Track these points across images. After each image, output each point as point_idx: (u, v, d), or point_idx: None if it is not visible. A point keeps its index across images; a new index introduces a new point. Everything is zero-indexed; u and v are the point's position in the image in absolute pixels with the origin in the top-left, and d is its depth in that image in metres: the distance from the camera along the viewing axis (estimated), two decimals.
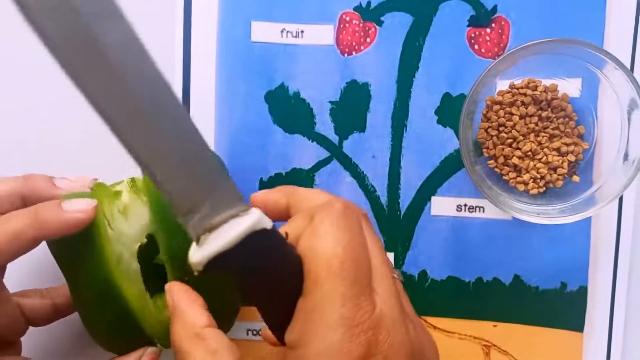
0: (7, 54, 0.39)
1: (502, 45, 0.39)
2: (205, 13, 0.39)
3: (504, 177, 0.38)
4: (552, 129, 0.38)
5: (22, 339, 0.35)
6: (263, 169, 0.40)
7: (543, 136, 0.38)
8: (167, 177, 0.22)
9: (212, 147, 0.40)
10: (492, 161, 0.39)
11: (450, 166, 0.40)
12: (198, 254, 0.24)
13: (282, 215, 0.30)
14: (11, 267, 0.32)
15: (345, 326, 0.23)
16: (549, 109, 0.38)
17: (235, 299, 0.37)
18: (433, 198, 0.40)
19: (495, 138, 0.38)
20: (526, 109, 0.38)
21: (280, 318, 0.26)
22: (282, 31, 0.39)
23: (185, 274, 0.30)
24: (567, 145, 0.38)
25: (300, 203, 0.30)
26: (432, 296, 0.41)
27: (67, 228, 0.29)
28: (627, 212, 0.40)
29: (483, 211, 0.40)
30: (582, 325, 0.40)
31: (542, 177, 0.38)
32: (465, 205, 0.40)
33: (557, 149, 0.38)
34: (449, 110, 0.40)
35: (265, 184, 0.40)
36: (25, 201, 0.32)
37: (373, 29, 0.39)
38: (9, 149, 0.40)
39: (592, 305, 0.40)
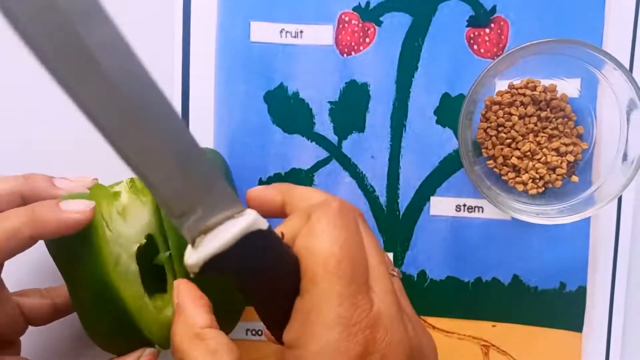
0: (7, 53, 0.39)
1: (501, 45, 0.39)
2: (204, 13, 0.40)
3: (503, 177, 0.38)
4: (551, 129, 0.38)
5: (21, 339, 0.35)
6: (262, 169, 0.40)
7: (542, 136, 0.38)
8: (159, 180, 0.22)
9: (211, 147, 0.40)
10: (491, 161, 0.39)
11: (449, 166, 0.40)
12: (193, 257, 0.23)
13: (277, 213, 0.30)
14: (11, 267, 0.32)
15: (342, 325, 0.23)
16: (548, 109, 0.38)
17: (240, 299, 0.37)
18: (432, 198, 0.40)
19: (494, 138, 0.38)
20: (525, 109, 0.38)
21: (277, 318, 0.26)
22: (281, 31, 0.39)
23: (185, 275, 0.30)
24: (566, 145, 0.38)
25: (296, 201, 0.30)
26: (431, 296, 0.41)
27: (65, 228, 0.29)
28: (626, 212, 0.40)
29: (482, 211, 0.40)
30: (581, 325, 0.40)
31: (541, 177, 0.38)
32: (464, 205, 0.40)
33: (556, 149, 0.38)
34: (448, 111, 0.40)
35: (264, 184, 0.40)
36: (25, 200, 0.32)
37: (372, 29, 0.39)
38: (9, 148, 0.40)
39: (591, 305, 0.40)
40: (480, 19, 0.39)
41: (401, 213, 0.40)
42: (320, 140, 0.40)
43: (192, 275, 0.24)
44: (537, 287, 0.40)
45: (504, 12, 0.39)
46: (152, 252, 0.32)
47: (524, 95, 0.38)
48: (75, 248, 0.31)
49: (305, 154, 0.40)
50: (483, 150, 0.39)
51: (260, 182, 0.40)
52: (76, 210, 0.29)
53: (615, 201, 0.39)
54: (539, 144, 0.38)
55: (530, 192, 0.38)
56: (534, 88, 0.38)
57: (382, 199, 0.40)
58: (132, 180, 0.32)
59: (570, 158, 0.38)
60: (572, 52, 0.36)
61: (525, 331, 0.41)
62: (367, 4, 0.39)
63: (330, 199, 0.27)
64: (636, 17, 0.39)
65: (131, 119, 0.21)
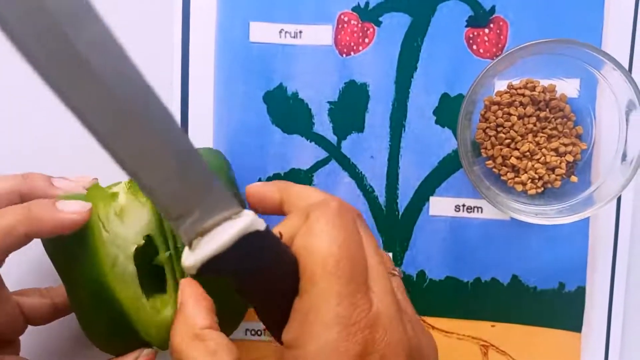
0: (6, 53, 0.39)
1: (500, 45, 0.39)
2: (203, 14, 0.40)
3: (502, 178, 0.38)
4: (550, 129, 0.38)
5: (20, 338, 0.35)
6: (262, 169, 0.40)
7: (541, 136, 0.38)
8: (155, 183, 0.22)
9: (211, 147, 0.40)
10: (490, 161, 0.39)
11: (448, 166, 0.40)
12: (191, 258, 0.23)
13: (275, 210, 0.30)
14: (11, 267, 0.32)
15: (341, 325, 0.23)
16: (547, 110, 0.38)
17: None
18: (431, 198, 0.40)
19: (493, 138, 0.38)
20: (524, 109, 0.38)
21: (277, 318, 0.26)
22: (280, 31, 0.39)
23: (184, 276, 0.30)
24: (565, 145, 0.38)
25: (294, 200, 0.30)
26: (430, 296, 0.41)
27: (61, 228, 0.29)
28: (625, 213, 0.40)
29: (481, 211, 0.40)
30: (580, 325, 0.40)
31: (540, 178, 0.38)
32: (463, 205, 0.40)
33: (555, 150, 0.38)
34: (447, 111, 0.40)
35: None
36: (24, 200, 0.32)
37: (371, 30, 0.39)
38: (9, 148, 0.40)
39: (590, 305, 0.40)
40: (480, 19, 0.39)
41: (400, 213, 0.40)
42: (320, 141, 0.40)
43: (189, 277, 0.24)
44: (536, 287, 0.40)
45: (503, 12, 0.39)
46: (151, 252, 0.32)
47: (523, 95, 0.38)
48: (72, 249, 0.31)
49: (305, 154, 0.40)
50: (482, 150, 0.39)
51: None
52: (72, 210, 0.29)
53: (615, 201, 0.39)
54: (538, 144, 0.38)
55: (530, 192, 0.38)
56: (533, 88, 0.38)
57: (382, 199, 0.40)
58: (131, 181, 0.32)
59: (570, 158, 0.38)
60: (571, 53, 0.36)
61: (524, 331, 0.41)
62: (367, 4, 0.39)
63: (329, 199, 0.27)
64: (635, 18, 0.39)
65: (124, 122, 0.20)
